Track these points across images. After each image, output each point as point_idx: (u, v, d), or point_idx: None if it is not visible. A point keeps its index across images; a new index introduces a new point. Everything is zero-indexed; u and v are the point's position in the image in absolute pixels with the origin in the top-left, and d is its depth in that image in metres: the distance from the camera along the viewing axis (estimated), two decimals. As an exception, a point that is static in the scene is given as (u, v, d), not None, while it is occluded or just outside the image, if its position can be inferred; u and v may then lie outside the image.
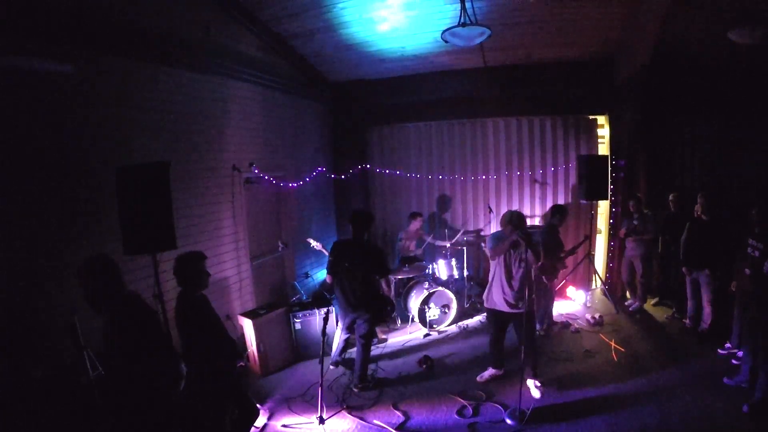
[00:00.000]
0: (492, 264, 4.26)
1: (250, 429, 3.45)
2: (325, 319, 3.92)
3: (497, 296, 4.18)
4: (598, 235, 7.42)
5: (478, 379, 4.46)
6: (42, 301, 3.21)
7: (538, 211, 7.48)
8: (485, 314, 4.49)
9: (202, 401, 3.16)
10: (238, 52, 5.39)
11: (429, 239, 6.84)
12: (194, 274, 3.12)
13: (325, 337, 3.87)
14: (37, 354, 3.12)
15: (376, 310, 4.54)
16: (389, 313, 4.50)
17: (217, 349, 3.15)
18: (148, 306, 2.81)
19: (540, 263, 4.15)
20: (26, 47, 3.17)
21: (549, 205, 7.38)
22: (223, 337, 3.23)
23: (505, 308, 4.14)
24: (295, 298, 6.05)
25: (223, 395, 3.24)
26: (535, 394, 4.13)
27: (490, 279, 4.28)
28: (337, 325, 5.19)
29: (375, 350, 5.32)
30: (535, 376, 4.22)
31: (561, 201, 7.36)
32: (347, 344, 4.90)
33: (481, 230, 7.58)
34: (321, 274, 7.31)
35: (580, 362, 4.80)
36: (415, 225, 6.80)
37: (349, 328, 4.64)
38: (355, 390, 4.43)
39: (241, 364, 3.39)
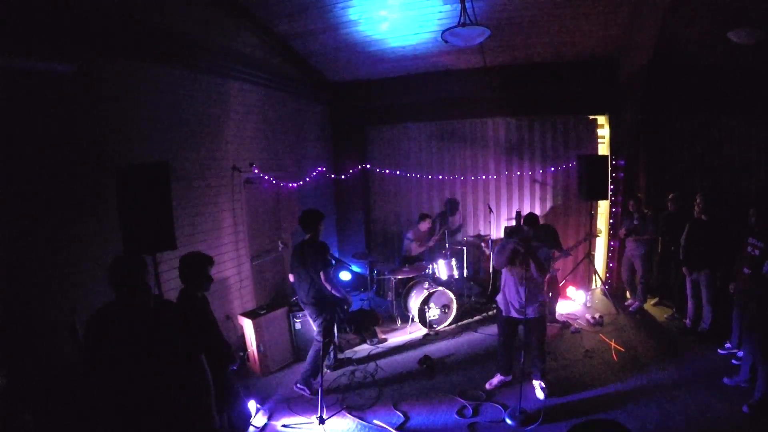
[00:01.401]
0: (503, 269, 4.19)
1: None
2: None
3: (506, 302, 4.15)
4: (598, 235, 7.43)
5: (487, 386, 4.34)
6: (42, 301, 3.21)
7: (538, 211, 7.48)
8: (496, 317, 4.44)
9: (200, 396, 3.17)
10: (238, 52, 5.39)
11: (431, 243, 6.90)
12: (195, 276, 3.13)
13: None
14: (37, 354, 3.11)
15: (326, 309, 4.36)
16: (345, 312, 4.34)
17: (215, 349, 3.15)
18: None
19: (547, 276, 4.02)
20: (27, 48, 3.17)
21: (549, 205, 7.40)
22: (219, 339, 3.24)
23: (514, 314, 4.11)
24: (295, 298, 6.04)
25: (220, 396, 3.25)
26: (540, 395, 4.11)
27: (501, 284, 4.22)
28: None
29: (375, 349, 5.36)
30: (542, 378, 4.20)
31: (561, 201, 7.36)
32: (335, 346, 4.91)
33: (480, 230, 7.59)
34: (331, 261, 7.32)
35: (580, 362, 4.80)
36: (425, 225, 6.83)
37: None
38: (295, 387, 4.35)
39: (234, 368, 3.40)
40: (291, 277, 4.65)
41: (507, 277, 4.14)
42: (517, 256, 3.96)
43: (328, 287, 4.29)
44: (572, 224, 7.33)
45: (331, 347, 4.80)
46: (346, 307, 4.36)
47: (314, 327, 4.41)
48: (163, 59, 4.37)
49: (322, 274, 4.26)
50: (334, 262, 4.77)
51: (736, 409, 3.68)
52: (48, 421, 2.87)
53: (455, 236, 7.59)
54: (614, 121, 7.04)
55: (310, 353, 4.38)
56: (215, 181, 5.09)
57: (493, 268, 6.86)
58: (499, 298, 4.26)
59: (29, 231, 3.19)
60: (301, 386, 4.35)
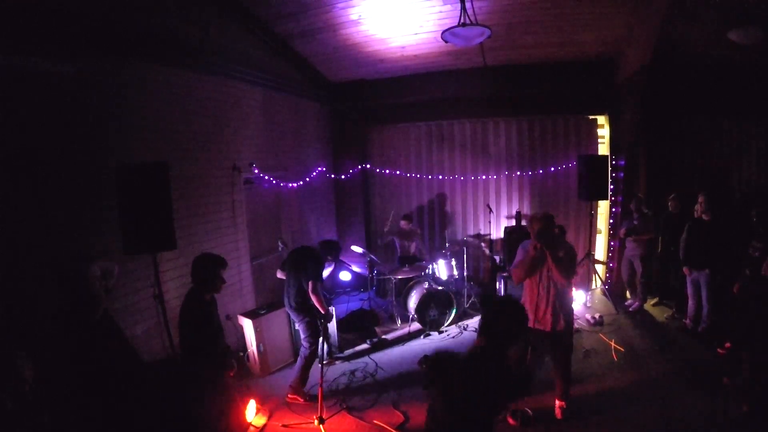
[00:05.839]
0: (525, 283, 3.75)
1: None
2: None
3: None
4: (598, 235, 7.43)
5: None
6: (42, 301, 3.21)
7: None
8: None
9: (199, 401, 3.17)
10: (238, 52, 5.38)
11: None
12: (209, 278, 3.16)
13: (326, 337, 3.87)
14: (36, 354, 3.11)
15: (309, 313, 4.33)
16: (322, 324, 4.27)
17: (213, 351, 3.17)
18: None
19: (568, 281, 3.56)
20: (28, 48, 3.17)
21: (549, 205, 7.39)
22: (219, 343, 3.26)
23: (538, 326, 3.60)
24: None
25: (218, 396, 3.26)
26: (558, 414, 3.81)
27: (523, 294, 3.79)
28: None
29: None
30: (562, 397, 3.83)
31: (561, 201, 7.36)
32: (328, 344, 4.94)
33: (480, 230, 7.60)
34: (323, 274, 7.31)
35: (580, 362, 4.78)
36: (404, 225, 6.84)
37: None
38: (287, 398, 4.28)
39: (231, 373, 3.39)
40: (279, 273, 4.64)
41: (526, 288, 3.69)
42: (539, 264, 3.53)
43: (314, 299, 4.23)
44: (572, 224, 7.32)
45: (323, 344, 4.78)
46: (324, 321, 4.24)
47: (301, 332, 4.40)
48: (162, 59, 4.36)
49: (311, 283, 4.21)
50: (334, 262, 4.77)
51: (736, 409, 3.67)
52: (65, 423, 2.86)
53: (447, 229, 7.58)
54: (614, 121, 7.05)
55: (299, 359, 4.36)
56: (215, 181, 5.08)
57: (493, 267, 6.87)
58: None
59: (30, 231, 3.19)
60: (293, 396, 4.27)
